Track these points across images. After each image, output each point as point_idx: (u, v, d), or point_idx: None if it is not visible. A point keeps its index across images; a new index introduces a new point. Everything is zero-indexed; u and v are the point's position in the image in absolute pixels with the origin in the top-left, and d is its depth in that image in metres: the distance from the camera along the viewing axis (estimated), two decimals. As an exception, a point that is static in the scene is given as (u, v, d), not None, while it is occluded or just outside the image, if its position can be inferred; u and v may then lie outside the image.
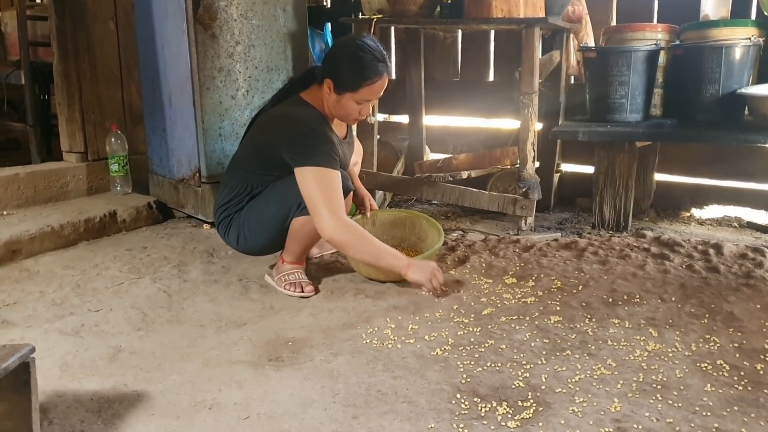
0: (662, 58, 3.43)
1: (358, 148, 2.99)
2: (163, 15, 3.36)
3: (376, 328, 2.20)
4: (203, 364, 2.01)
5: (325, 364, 1.97)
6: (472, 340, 2.10)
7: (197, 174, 3.36)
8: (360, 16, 3.63)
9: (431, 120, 4.56)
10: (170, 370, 1.98)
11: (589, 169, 3.56)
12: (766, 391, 1.76)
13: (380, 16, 3.43)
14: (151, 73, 3.57)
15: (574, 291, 2.45)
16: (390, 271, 2.49)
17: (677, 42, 3.40)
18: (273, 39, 3.40)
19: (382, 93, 2.51)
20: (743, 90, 3.08)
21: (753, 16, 3.56)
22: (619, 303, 2.34)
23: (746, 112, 3.24)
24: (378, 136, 4.42)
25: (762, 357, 1.94)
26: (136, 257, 3.02)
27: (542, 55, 3.76)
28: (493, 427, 1.62)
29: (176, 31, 3.28)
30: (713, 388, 1.78)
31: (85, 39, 3.72)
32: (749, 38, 3.12)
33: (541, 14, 3.28)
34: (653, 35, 3.43)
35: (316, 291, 2.58)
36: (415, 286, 2.51)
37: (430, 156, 4.42)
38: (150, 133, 3.71)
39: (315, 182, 2.37)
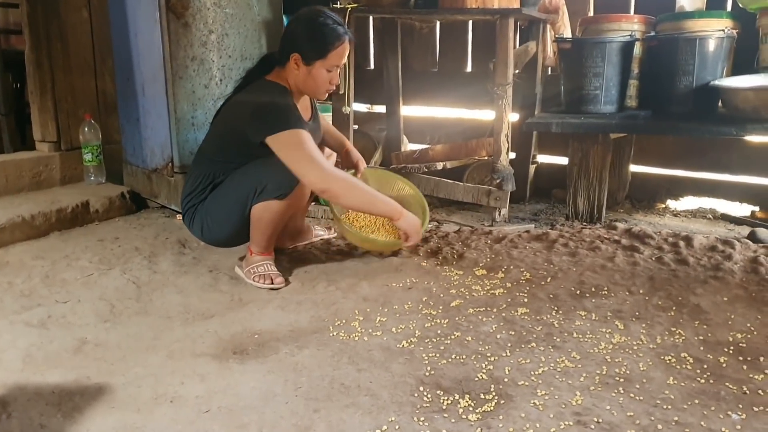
0: (638, 49, 3.43)
1: (337, 136, 2.97)
2: (136, 3, 3.32)
3: (343, 321, 2.20)
4: (167, 356, 2.00)
5: (289, 357, 1.96)
6: (438, 332, 2.09)
7: (170, 164, 3.33)
8: (337, 6, 3.59)
9: (410, 110, 4.55)
10: (134, 363, 1.96)
11: (566, 161, 3.56)
12: (727, 384, 1.76)
13: (355, 5, 3.41)
14: (124, 61, 3.53)
15: (543, 283, 2.45)
16: (384, 213, 2.60)
17: (653, 33, 3.40)
18: (247, 28, 3.36)
19: (346, 58, 2.55)
20: (717, 82, 3.09)
21: (728, 8, 3.57)
22: (587, 295, 2.34)
23: (720, 104, 3.24)
24: (356, 126, 4.41)
25: (726, 350, 1.95)
26: (108, 248, 2.99)
27: (519, 45, 3.77)
28: (453, 420, 1.62)
29: (149, 20, 3.24)
30: (675, 381, 1.78)
31: (58, 27, 3.67)
32: (723, 30, 3.12)
33: (516, 5, 3.27)
34: (629, 26, 3.42)
35: (287, 283, 2.57)
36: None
37: (409, 146, 4.41)
38: (124, 123, 3.68)
39: (289, 145, 2.39)
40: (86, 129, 3.66)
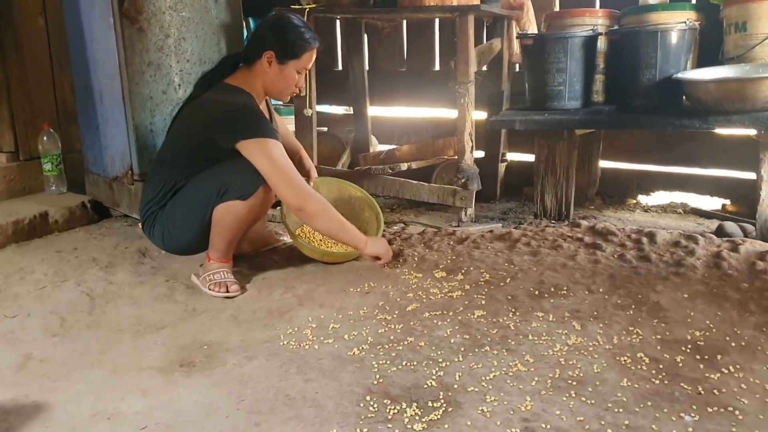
0: (603, 43, 3.39)
1: (293, 142, 2.94)
2: (90, 9, 3.26)
3: (296, 329, 2.14)
4: (111, 371, 1.94)
5: (237, 369, 1.90)
6: (391, 338, 2.04)
7: (130, 171, 3.26)
8: (297, 6, 3.54)
9: (380, 111, 4.50)
10: (77, 379, 1.90)
11: (534, 158, 3.52)
12: (682, 384, 1.72)
13: (314, 5, 3.36)
14: (82, 69, 3.46)
15: (502, 284, 2.40)
16: (349, 243, 2.59)
17: (616, 27, 3.36)
18: (205, 31, 3.30)
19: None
20: (679, 75, 3.04)
21: (692, 0, 3.53)
22: (546, 295, 2.29)
23: (684, 97, 3.21)
24: (326, 129, 4.37)
25: (683, 348, 1.90)
26: (64, 259, 2.92)
27: (485, 42, 3.72)
28: (398, 431, 1.57)
29: (104, 26, 3.17)
30: (630, 383, 1.74)
31: (12, 35, 3.58)
32: (684, 22, 3.08)
33: (476, 1, 3.22)
34: (593, 20, 3.39)
35: (243, 290, 2.51)
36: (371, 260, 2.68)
37: (378, 147, 4.36)
38: (84, 131, 3.61)
39: (269, 155, 2.39)
40: (45, 138, 3.58)
